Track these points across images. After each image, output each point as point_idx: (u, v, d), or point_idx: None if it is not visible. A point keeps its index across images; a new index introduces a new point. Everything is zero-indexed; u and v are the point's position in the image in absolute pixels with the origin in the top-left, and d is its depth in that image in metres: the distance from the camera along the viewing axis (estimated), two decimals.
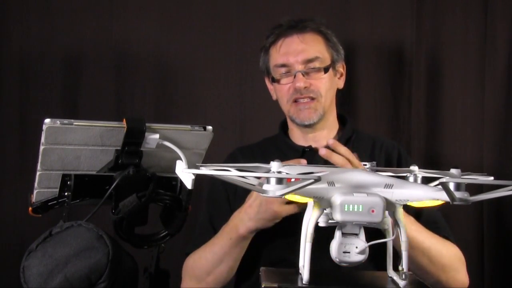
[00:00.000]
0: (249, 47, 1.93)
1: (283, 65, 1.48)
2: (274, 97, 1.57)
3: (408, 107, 1.93)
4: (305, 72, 1.46)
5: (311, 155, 1.48)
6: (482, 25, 1.91)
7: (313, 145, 1.51)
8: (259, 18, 1.93)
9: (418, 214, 1.40)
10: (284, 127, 1.60)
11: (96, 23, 1.91)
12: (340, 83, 1.55)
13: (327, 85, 1.48)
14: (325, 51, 1.49)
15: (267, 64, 1.54)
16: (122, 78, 1.92)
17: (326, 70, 1.47)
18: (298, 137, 1.55)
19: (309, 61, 1.46)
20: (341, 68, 1.55)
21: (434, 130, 1.94)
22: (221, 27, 1.93)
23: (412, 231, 1.31)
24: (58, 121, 0.88)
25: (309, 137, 1.52)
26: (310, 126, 1.49)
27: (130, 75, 1.92)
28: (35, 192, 0.94)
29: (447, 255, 1.38)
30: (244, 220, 1.32)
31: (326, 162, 1.44)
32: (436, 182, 0.93)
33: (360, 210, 0.86)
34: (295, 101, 1.47)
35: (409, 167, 1.04)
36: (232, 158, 1.57)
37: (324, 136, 1.51)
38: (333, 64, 1.50)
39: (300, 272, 0.97)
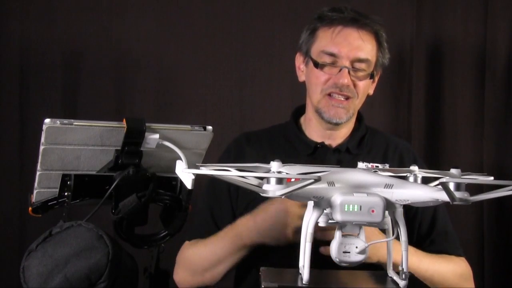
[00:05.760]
0: (249, 47, 1.93)
1: (332, 54, 1.38)
2: (302, 79, 1.48)
3: (408, 107, 1.93)
4: (352, 70, 1.38)
5: (323, 152, 1.43)
6: (482, 25, 1.92)
7: (326, 142, 1.45)
8: (259, 18, 1.93)
9: (432, 225, 1.40)
10: (296, 115, 1.52)
11: (96, 23, 1.91)
12: (371, 90, 1.48)
13: (366, 89, 1.42)
14: (375, 56, 1.42)
15: (310, 44, 1.43)
16: (122, 78, 1.92)
17: (371, 76, 1.41)
18: (313, 130, 1.47)
19: (360, 60, 1.38)
20: (377, 75, 1.47)
21: (434, 130, 1.94)
22: (221, 27, 1.94)
23: (414, 263, 1.27)
24: (58, 121, 0.88)
25: (326, 133, 1.45)
26: (336, 124, 1.42)
27: (130, 75, 1.93)
28: (35, 192, 0.94)
29: (451, 277, 1.37)
30: (252, 232, 1.29)
31: (338, 161, 1.42)
32: (436, 182, 0.93)
33: (360, 210, 0.86)
34: (329, 94, 1.39)
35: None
36: (236, 145, 1.51)
37: (342, 135, 1.46)
38: (375, 70, 1.43)
39: (300, 272, 0.97)
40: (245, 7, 1.94)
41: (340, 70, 1.37)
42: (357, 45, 1.38)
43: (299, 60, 1.48)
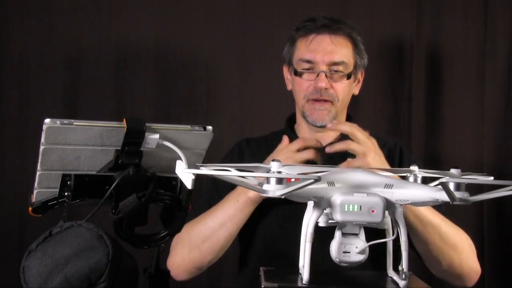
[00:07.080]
0: (249, 47, 1.93)
1: (308, 61, 1.48)
2: (289, 88, 1.58)
3: (408, 107, 1.93)
4: (329, 73, 1.46)
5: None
6: (482, 25, 1.92)
7: None
8: (260, 18, 1.93)
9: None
10: (290, 122, 1.61)
11: (96, 23, 1.91)
12: (356, 90, 1.56)
13: (346, 90, 1.49)
14: (351, 57, 1.50)
15: (291, 54, 1.54)
16: (122, 78, 1.92)
17: (348, 76, 1.48)
18: (305, 133, 1.55)
19: (335, 64, 1.47)
20: (359, 74, 1.55)
21: (434, 130, 1.94)
22: (221, 27, 1.94)
23: (421, 208, 1.32)
24: (58, 121, 0.88)
25: (317, 135, 1.52)
26: (320, 127, 1.50)
27: (130, 75, 1.92)
28: (35, 192, 0.94)
29: (458, 236, 1.39)
30: None
31: (329, 158, 1.45)
32: (436, 182, 0.93)
33: (360, 210, 0.86)
34: (312, 100, 1.48)
35: (411, 164, 1.04)
36: (238, 147, 1.59)
37: (332, 134, 1.52)
38: (354, 70, 1.51)
39: (300, 272, 0.97)
40: (245, 7, 1.94)
41: (318, 75, 1.45)
42: (330, 50, 1.47)
43: (285, 70, 1.59)
